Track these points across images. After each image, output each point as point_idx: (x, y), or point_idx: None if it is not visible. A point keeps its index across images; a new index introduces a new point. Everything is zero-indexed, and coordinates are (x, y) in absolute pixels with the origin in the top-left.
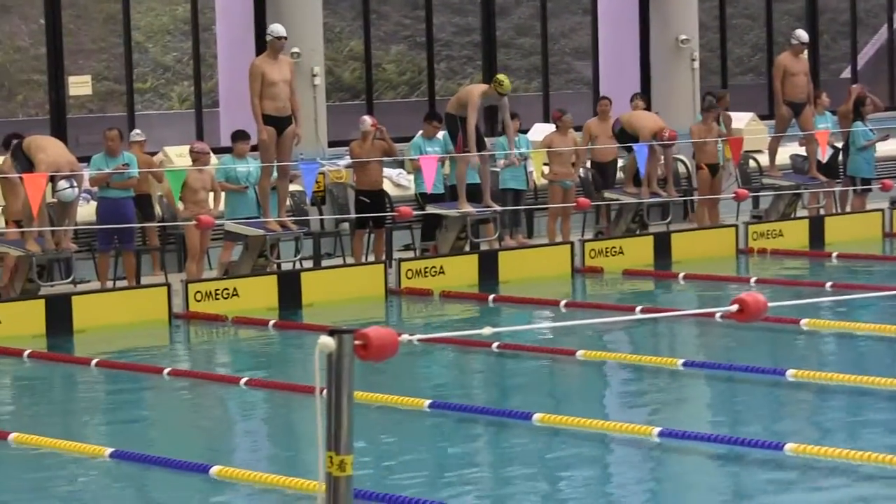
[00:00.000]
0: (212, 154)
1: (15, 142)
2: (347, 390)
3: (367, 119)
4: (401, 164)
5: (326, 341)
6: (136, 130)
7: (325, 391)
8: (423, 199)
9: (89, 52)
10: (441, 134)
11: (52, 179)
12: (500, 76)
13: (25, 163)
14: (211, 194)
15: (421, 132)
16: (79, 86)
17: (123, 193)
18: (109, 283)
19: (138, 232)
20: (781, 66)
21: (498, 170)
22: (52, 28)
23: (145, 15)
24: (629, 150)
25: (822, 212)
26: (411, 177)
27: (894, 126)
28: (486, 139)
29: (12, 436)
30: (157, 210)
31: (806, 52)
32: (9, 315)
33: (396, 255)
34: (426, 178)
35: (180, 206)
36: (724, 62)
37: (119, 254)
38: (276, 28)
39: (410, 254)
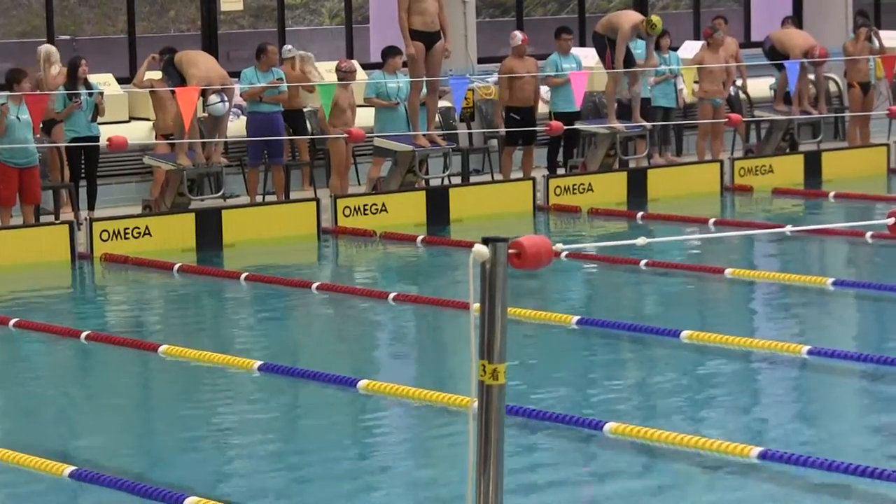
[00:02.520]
0: (359, 71)
1: (167, 56)
2: (501, 299)
3: (518, 34)
4: None
5: (481, 250)
6: (288, 46)
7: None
8: (555, 116)
9: None
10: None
11: (204, 94)
12: (654, 18)
13: (177, 77)
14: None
15: (556, 50)
16: (230, 1)
17: (274, 108)
18: (259, 198)
19: (289, 146)
20: None
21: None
22: None
23: None
24: (780, 67)
25: None
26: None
27: None
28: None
29: (162, 348)
30: (308, 125)
31: None
32: (160, 228)
33: (535, 172)
34: (576, 94)
35: (328, 122)
36: None
37: (269, 168)
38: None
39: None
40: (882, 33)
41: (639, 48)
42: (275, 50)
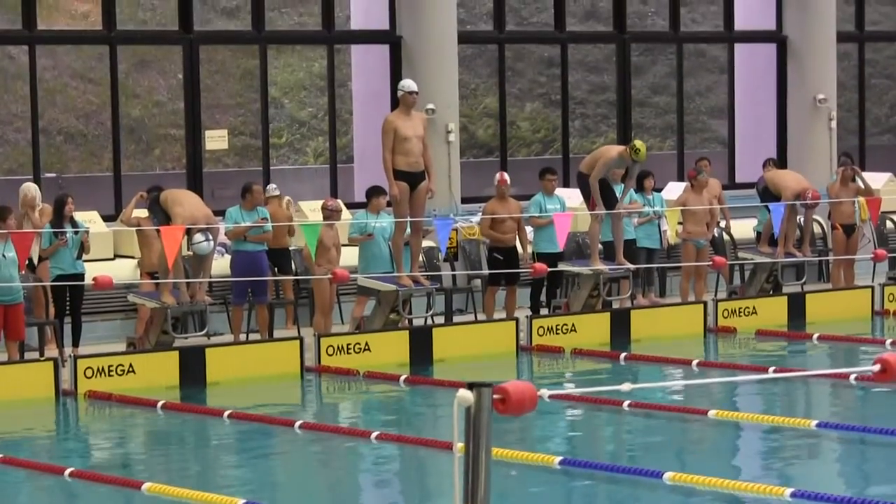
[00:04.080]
0: (344, 210)
1: (152, 195)
2: (486, 445)
3: (498, 175)
4: None
5: (465, 395)
6: (272, 185)
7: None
8: (538, 257)
9: (226, 107)
10: (560, 191)
11: (189, 232)
12: (638, 143)
13: (162, 216)
14: (338, 250)
15: (541, 190)
16: (215, 140)
17: (258, 247)
18: (243, 336)
19: (273, 285)
20: None
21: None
22: (190, 83)
23: (282, 71)
24: (766, 210)
25: None
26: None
27: None
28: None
29: (146, 485)
30: (293, 264)
31: None
32: (143, 366)
33: (518, 312)
34: (559, 235)
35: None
36: (861, 122)
37: (252, 307)
38: (406, 83)
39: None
40: (867, 175)
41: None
42: (260, 189)
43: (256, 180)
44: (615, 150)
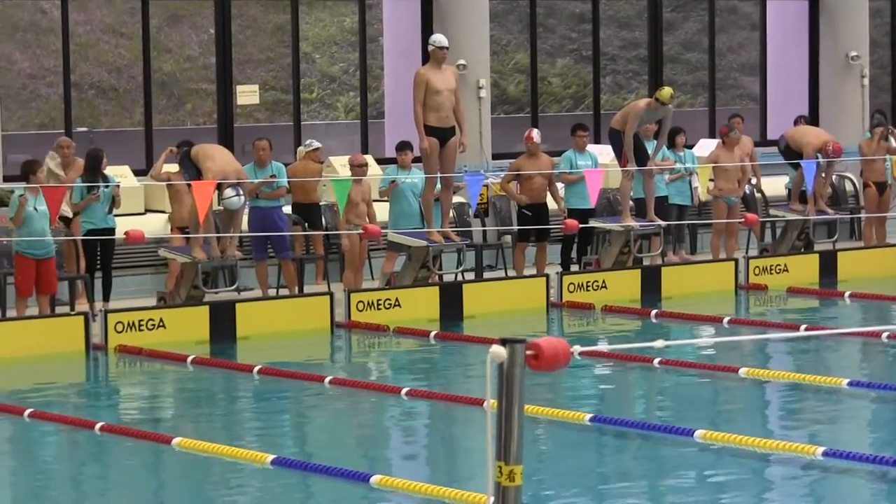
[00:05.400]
0: (373, 165)
1: (184, 149)
2: (518, 400)
3: (529, 131)
4: None
5: (498, 350)
6: (311, 140)
7: (494, 401)
8: (569, 213)
9: (257, 62)
10: (591, 147)
11: (219, 187)
12: (663, 89)
13: (193, 171)
14: (369, 206)
15: (572, 146)
16: (246, 95)
17: (272, 203)
18: (273, 292)
19: (303, 240)
20: None
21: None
22: (221, 38)
23: (313, 26)
24: (796, 166)
25: None
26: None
27: None
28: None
29: (175, 440)
30: (323, 220)
31: None
32: (174, 321)
33: (548, 269)
34: (591, 192)
35: (342, 217)
36: (894, 79)
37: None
38: (437, 38)
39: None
40: None
41: (654, 148)
42: (264, 145)
43: (287, 135)
44: (643, 102)
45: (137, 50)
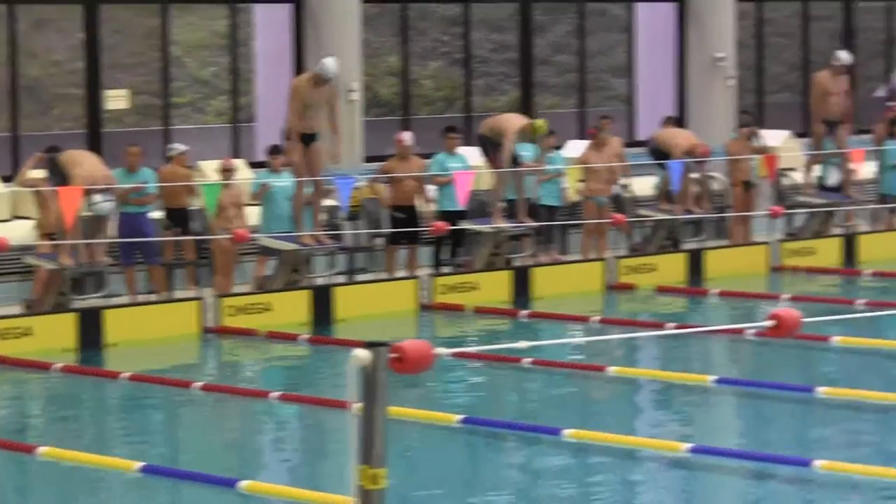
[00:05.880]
0: (243, 169)
1: (50, 155)
2: (381, 403)
3: (400, 134)
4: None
5: (361, 354)
6: (176, 144)
7: (357, 405)
8: (441, 215)
9: (127, 66)
10: (462, 149)
11: (88, 193)
12: (539, 122)
13: (60, 177)
14: (238, 210)
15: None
16: (116, 100)
17: (140, 209)
18: (142, 297)
19: (173, 245)
20: (820, 85)
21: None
22: (90, 42)
23: (184, 30)
24: (662, 167)
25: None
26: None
27: None
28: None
29: (41, 449)
30: (194, 224)
31: (846, 73)
32: (41, 328)
33: (420, 271)
34: (460, 193)
35: (212, 221)
36: (759, 80)
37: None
38: (328, 66)
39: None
40: (764, 132)
41: (526, 150)
42: (135, 151)
43: (156, 140)
44: (517, 123)
45: (3, 55)
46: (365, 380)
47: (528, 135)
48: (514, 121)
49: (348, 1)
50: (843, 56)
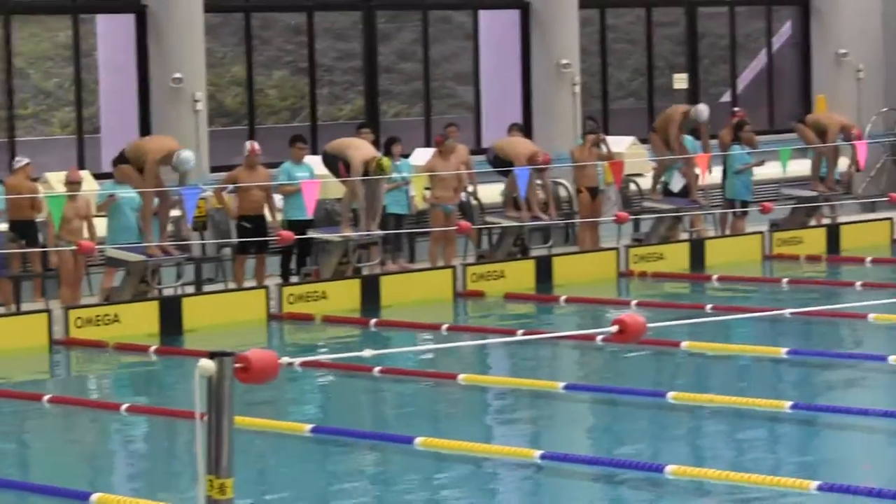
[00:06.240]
0: (88, 180)
1: None
2: (228, 413)
3: (248, 144)
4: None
5: (206, 364)
6: (19, 157)
7: (205, 415)
8: (288, 225)
9: None
10: (309, 158)
11: None
12: (385, 161)
13: None
14: (84, 222)
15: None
16: None
17: None
18: None
19: (20, 258)
20: (670, 119)
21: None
22: None
23: (27, 41)
24: (506, 174)
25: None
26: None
27: (771, 150)
28: None
29: None
30: (40, 236)
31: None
32: None
33: (268, 280)
34: (308, 203)
35: (57, 233)
36: (604, 86)
37: None
38: (183, 159)
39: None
40: (610, 139)
41: None
42: None
43: (1, 152)
44: (361, 157)
45: None
46: (210, 390)
47: (371, 170)
48: (360, 151)
49: (191, 10)
50: (702, 113)
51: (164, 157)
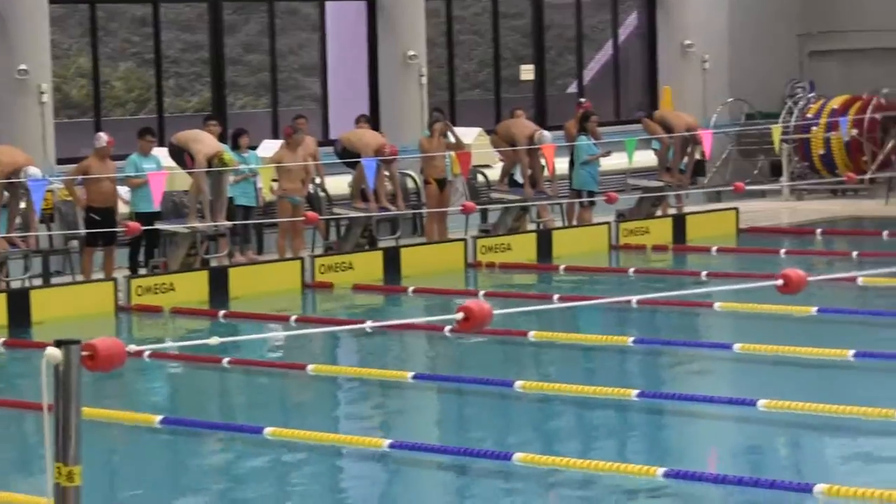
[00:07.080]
0: None
1: None
2: (75, 400)
3: (103, 135)
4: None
5: (53, 352)
6: None
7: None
8: (136, 217)
9: None
10: (156, 150)
11: None
12: (227, 157)
13: None
14: None
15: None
16: None
17: None
18: None
19: None
20: (514, 137)
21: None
22: None
23: None
24: (353, 166)
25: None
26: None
27: (618, 141)
28: None
29: None
30: None
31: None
32: None
33: (117, 272)
34: (155, 195)
35: None
36: (451, 78)
37: None
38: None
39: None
40: (458, 129)
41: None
42: None
43: None
44: (205, 152)
45: None
46: (58, 377)
47: (215, 164)
48: (205, 144)
49: (36, 2)
50: (546, 139)
51: (13, 172)
